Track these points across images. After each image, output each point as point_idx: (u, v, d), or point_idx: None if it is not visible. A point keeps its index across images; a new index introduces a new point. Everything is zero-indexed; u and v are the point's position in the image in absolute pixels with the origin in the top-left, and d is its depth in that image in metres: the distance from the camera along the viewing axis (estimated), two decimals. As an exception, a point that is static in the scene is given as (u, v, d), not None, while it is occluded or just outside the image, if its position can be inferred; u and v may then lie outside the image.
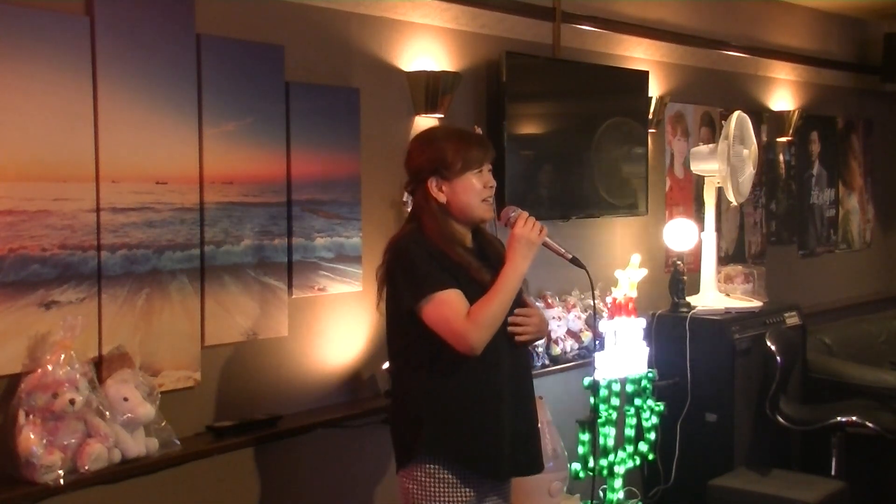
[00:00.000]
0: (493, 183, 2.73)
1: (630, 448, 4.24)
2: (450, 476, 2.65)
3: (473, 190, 2.68)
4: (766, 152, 5.90)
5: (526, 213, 2.70)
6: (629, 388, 4.23)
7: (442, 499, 2.66)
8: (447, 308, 2.59)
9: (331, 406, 3.58)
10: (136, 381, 2.93)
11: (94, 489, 2.84)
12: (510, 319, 2.71)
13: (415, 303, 2.62)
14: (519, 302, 2.75)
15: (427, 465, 2.67)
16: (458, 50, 4.06)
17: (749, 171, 4.78)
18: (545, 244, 2.72)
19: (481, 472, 2.68)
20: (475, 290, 2.63)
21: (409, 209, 3.67)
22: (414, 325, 2.65)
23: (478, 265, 2.69)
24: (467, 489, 2.67)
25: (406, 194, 3.69)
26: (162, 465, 2.99)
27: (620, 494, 4.19)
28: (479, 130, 3.96)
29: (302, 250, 3.47)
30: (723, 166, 4.63)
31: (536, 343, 4.12)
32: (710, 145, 4.79)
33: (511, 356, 2.73)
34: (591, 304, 4.48)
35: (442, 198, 2.70)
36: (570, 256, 2.78)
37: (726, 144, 4.62)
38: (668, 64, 5.16)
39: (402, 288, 2.66)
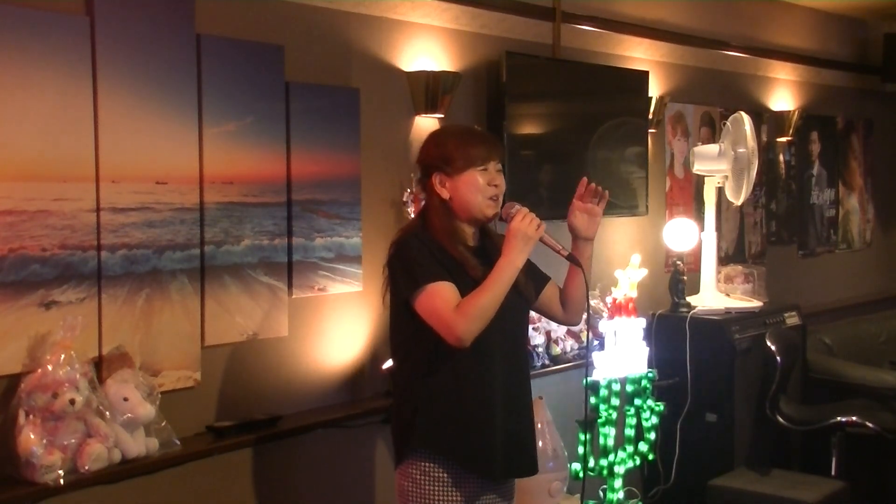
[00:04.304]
0: (498, 181, 2.70)
1: (630, 448, 4.24)
2: (444, 474, 2.65)
3: (475, 186, 2.67)
4: (766, 152, 5.90)
5: (525, 209, 2.69)
6: (629, 388, 4.23)
7: (436, 497, 2.65)
8: (438, 299, 2.59)
9: (331, 406, 3.58)
10: (136, 381, 2.93)
11: (94, 489, 2.84)
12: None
13: (409, 293, 2.63)
14: (519, 301, 2.75)
15: (421, 463, 2.67)
16: (458, 50, 4.06)
17: (753, 172, 4.78)
18: (542, 240, 2.70)
19: (472, 470, 2.67)
20: (470, 287, 2.62)
21: (409, 209, 3.71)
22: (411, 317, 2.65)
23: (475, 262, 2.68)
24: (461, 488, 2.67)
25: (406, 193, 3.72)
26: (162, 465, 2.99)
27: (620, 494, 4.18)
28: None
29: (302, 250, 3.47)
30: (731, 167, 4.63)
31: (536, 343, 4.14)
32: (716, 145, 4.77)
33: (505, 356, 2.72)
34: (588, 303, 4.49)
35: (445, 194, 2.70)
36: (567, 253, 2.77)
37: (743, 146, 4.61)
38: (668, 64, 5.16)
39: (399, 280, 2.68)
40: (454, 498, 2.66)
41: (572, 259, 2.77)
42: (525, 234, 2.64)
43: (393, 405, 2.86)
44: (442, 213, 2.71)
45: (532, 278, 2.85)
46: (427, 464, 2.66)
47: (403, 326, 2.71)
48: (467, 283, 2.63)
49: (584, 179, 2.85)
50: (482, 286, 2.61)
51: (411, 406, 2.69)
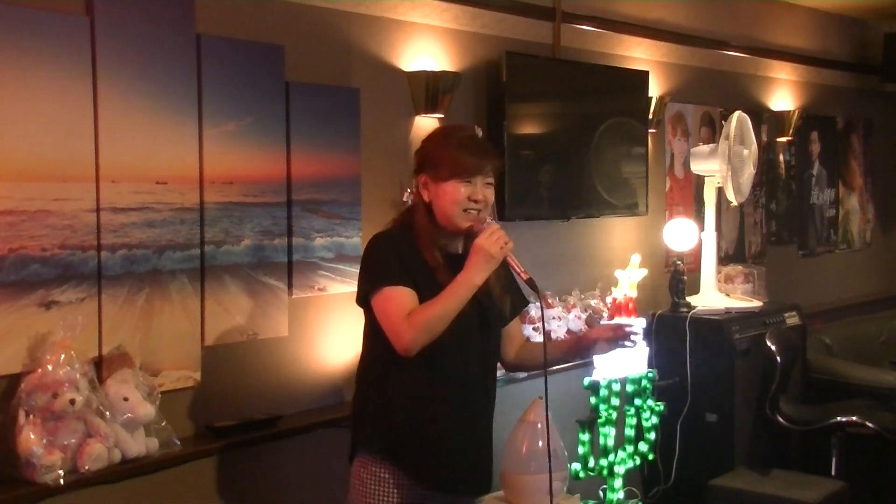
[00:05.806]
0: (480, 197, 2.60)
1: (630, 448, 4.24)
2: (385, 474, 2.62)
3: (454, 198, 2.59)
4: (766, 152, 5.90)
5: (496, 226, 2.60)
6: (629, 388, 4.23)
7: (375, 495, 2.62)
8: (393, 303, 2.55)
9: (331, 406, 3.58)
10: (136, 381, 2.93)
11: (94, 489, 2.84)
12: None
13: (368, 292, 2.62)
14: (487, 316, 2.70)
15: (365, 459, 2.65)
16: (458, 50, 4.06)
17: (749, 171, 4.78)
18: (506, 260, 2.61)
19: (413, 479, 2.63)
20: (436, 293, 2.57)
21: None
22: (371, 315, 2.64)
23: (447, 269, 2.61)
24: (399, 490, 2.62)
25: (406, 193, 3.72)
26: (162, 465, 3.00)
27: (620, 494, 4.18)
28: (479, 131, 3.95)
29: (302, 250, 3.47)
30: (723, 166, 4.63)
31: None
32: (711, 145, 4.80)
33: (463, 371, 2.66)
34: (592, 304, 4.50)
35: (426, 196, 2.65)
36: (527, 277, 2.64)
37: (727, 144, 4.62)
38: (668, 64, 5.16)
39: (362, 276, 2.67)
40: (392, 500, 2.62)
41: (532, 284, 2.62)
42: (488, 252, 2.55)
43: (353, 398, 2.80)
44: (424, 214, 2.66)
45: (512, 294, 2.80)
46: (369, 461, 2.64)
47: (365, 322, 2.70)
48: (435, 290, 2.57)
49: (631, 323, 2.83)
50: (435, 299, 2.54)
51: (362, 404, 2.69)
